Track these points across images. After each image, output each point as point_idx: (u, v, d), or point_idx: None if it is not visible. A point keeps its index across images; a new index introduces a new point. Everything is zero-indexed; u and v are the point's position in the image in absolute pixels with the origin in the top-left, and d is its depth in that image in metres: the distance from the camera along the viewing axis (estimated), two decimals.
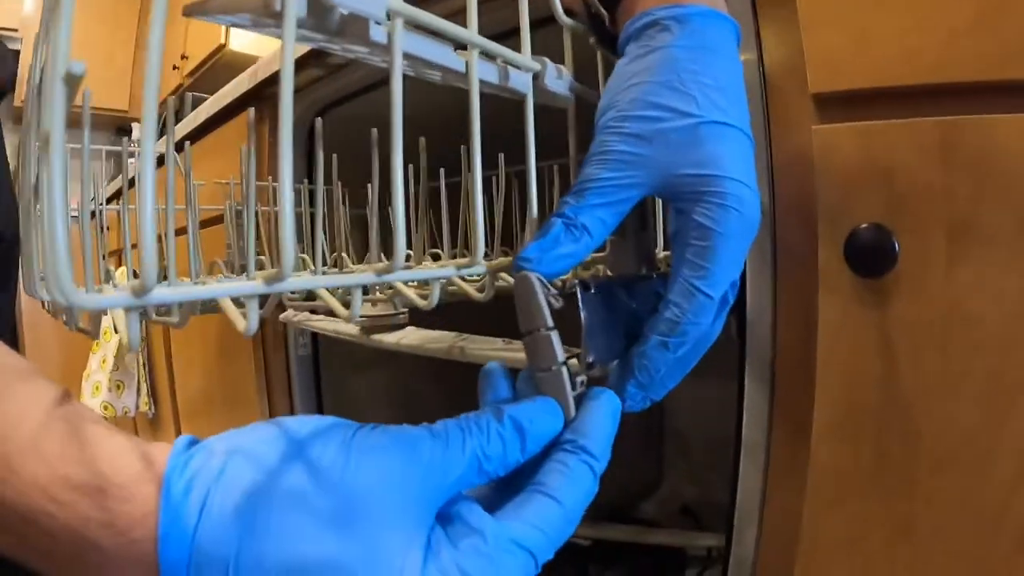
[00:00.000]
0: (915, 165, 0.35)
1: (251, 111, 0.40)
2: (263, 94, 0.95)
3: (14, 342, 0.61)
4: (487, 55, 0.26)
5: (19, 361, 0.23)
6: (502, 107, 0.30)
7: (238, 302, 0.20)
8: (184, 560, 0.20)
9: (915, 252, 0.35)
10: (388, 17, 0.20)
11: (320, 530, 0.20)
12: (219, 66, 2.82)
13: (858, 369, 0.39)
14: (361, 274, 0.20)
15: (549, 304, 0.26)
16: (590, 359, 0.28)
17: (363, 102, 0.87)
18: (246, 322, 0.18)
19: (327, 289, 0.24)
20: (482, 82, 0.27)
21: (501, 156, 0.56)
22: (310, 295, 0.62)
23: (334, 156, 0.60)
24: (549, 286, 0.26)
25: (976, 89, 0.33)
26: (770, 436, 0.45)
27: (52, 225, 0.13)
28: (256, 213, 0.58)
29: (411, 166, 0.56)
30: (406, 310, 0.71)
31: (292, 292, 0.18)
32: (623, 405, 0.29)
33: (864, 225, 0.36)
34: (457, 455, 0.23)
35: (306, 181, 0.74)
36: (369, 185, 0.45)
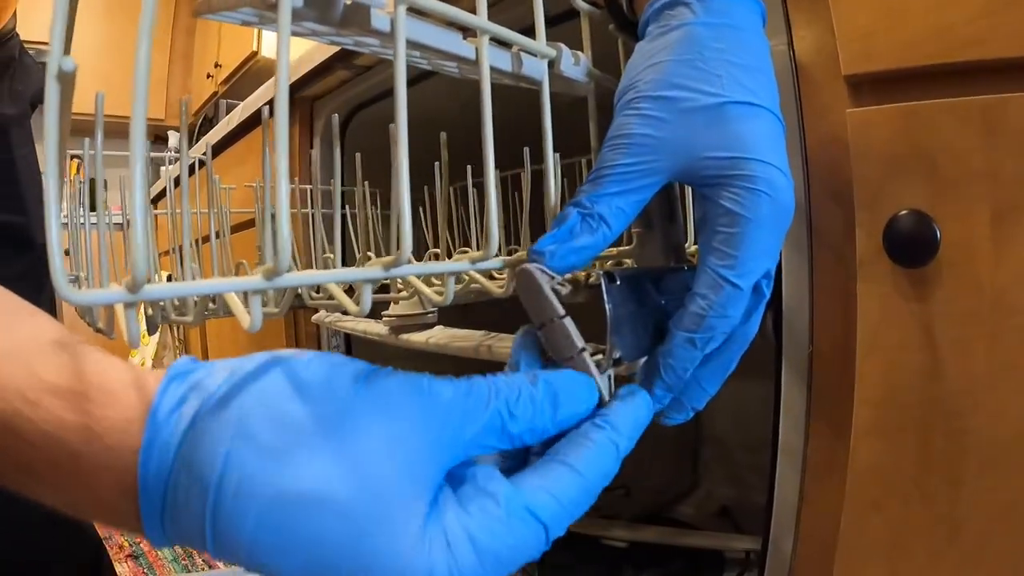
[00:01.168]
0: (956, 146, 0.33)
1: (265, 108, 0.40)
2: (292, 98, 0.97)
3: None
4: (499, 42, 0.25)
5: (27, 304, 0.22)
6: (531, 100, 0.29)
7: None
8: (164, 475, 0.18)
9: (958, 239, 0.34)
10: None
11: (318, 463, 0.18)
12: (251, 73, 2.89)
13: (900, 364, 0.37)
14: (367, 269, 0.20)
15: (556, 292, 0.25)
16: (616, 355, 0.26)
17: (392, 103, 0.87)
18: (250, 318, 0.18)
19: (338, 285, 0.24)
20: (495, 70, 0.27)
21: (526, 150, 0.56)
22: None
23: (357, 155, 0.60)
24: (553, 275, 0.25)
25: (1018, 65, 0.31)
26: (807, 436, 0.44)
27: (48, 229, 0.13)
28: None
29: (437, 164, 0.56)
30: (435, 309, 0.71)
31: (298, 289, 0.18)
32: (653, 407, 0.28)
33: (903, 212, 0.35)
34: (478, 408, 0.21)
35: (331, 183, 0.74)
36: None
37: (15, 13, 0.66)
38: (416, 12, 0.21)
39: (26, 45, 0.70)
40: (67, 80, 0.15)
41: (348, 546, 0.18)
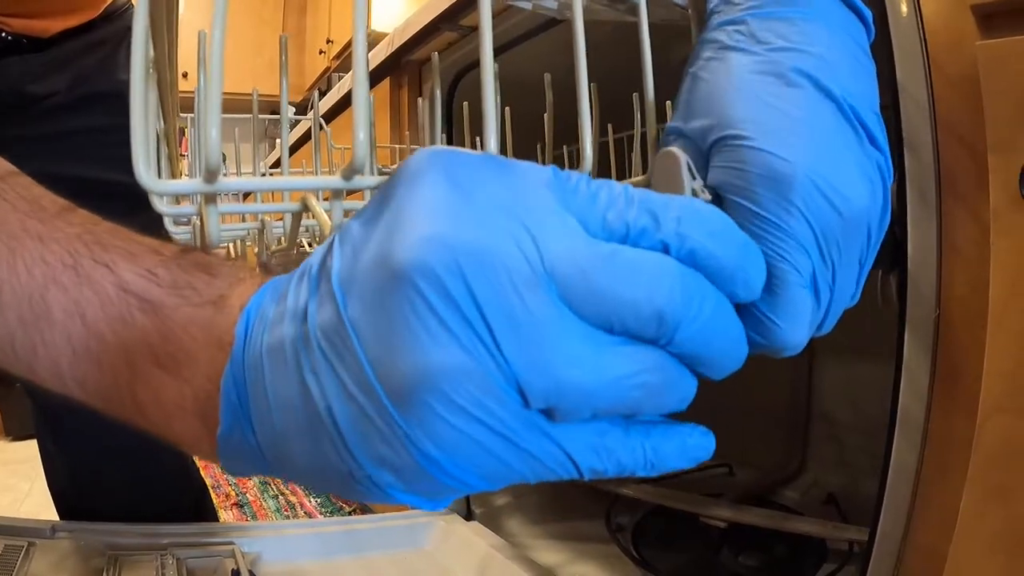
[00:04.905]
0: None
1: (316, 92, 0.41)
2: (400, 63, 0.99)
3: None
4: None
5: None
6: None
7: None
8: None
9: None
10: None
11: None
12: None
13: None
14: None
15: (695, 195, 0.22)
16: None
17: (507, 59, 0.88)
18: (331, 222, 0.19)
19: None
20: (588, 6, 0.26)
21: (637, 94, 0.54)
22: None
23: (464, 107, 0.61)
24: (696, 173, 0.23)
25: None
26: (929, 410, 0.41)
27: (134, 131, 0.15)
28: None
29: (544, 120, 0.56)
30: None
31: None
32: None
33: None
34: None
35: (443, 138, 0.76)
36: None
37: None
38: None
39: None
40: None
41: None
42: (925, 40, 0.38)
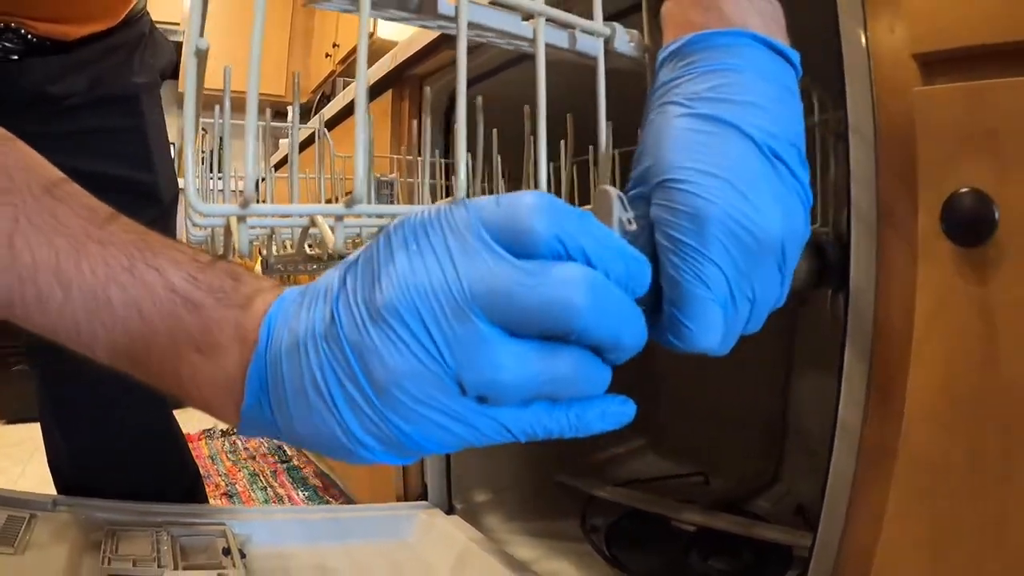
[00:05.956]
0: (1021, 125, 0.34)
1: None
2: (403, 76, 1.04)
3: None
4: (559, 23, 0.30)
5: None
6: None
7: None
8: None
9: (1019, 219, 0.34)
10: None
11: None
12: (368, 53, 3.04)
13: (957, 349, 0.38)
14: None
15: (622, 225, 0.27)
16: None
17: (496, 82, 0.92)
18: (334, 240, 0.23)
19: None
20: (555, 47, 0.31)
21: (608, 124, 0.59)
22: None
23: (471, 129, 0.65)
24: (628, 208, 0.27)
25: None
26: (865, 417, 0.45)
27: (185, 163, 0.19)
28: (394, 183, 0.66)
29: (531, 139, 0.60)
30: None
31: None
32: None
33: (963, 189, 0.36)
34: None
35: (436, 152, 0.81)
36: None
37: None
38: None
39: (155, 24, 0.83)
40: (201, 56, 0.20)
41: None
42: (873, 85, 0.43)
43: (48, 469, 0.82)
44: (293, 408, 0.24)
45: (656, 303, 0.30)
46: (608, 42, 0.32)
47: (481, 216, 0.23)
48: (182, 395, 0.27)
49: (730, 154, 0.28)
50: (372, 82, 1.15)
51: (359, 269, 0.24)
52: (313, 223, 0.25)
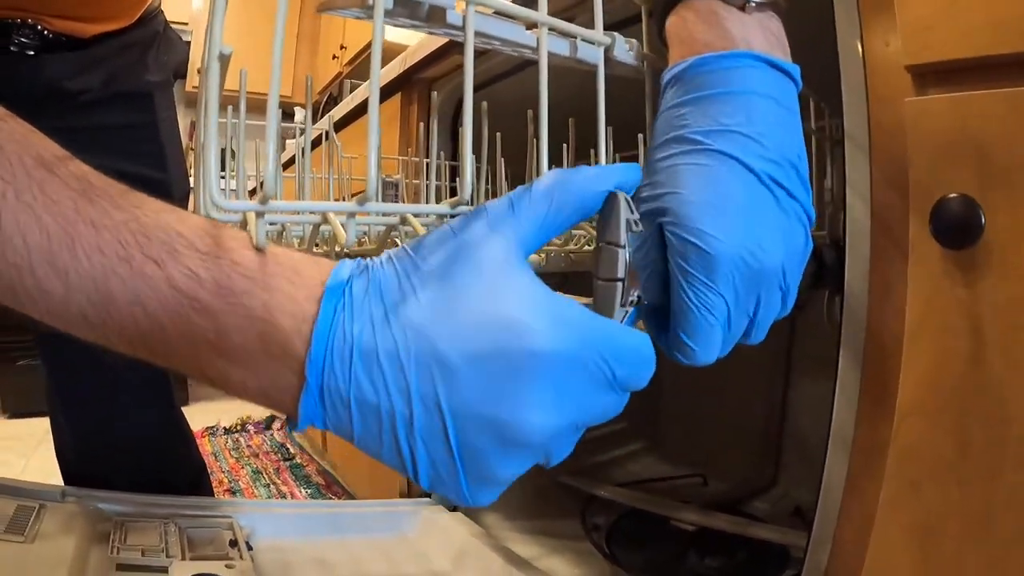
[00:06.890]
0: (1007, 135, 0.35)
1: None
2: (411, 79, 1.06)
3: None
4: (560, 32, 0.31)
5: None
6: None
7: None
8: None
9: (1005, 225, 0.36)
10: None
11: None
12: None
13: (945, 348, 0.40)
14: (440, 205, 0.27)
15: (629, 226, 0.29)
16: (636, 294, 0.30)
17: (501, 87, 0.94)
18: (346, 236, 0.25)
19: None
20: (558, 56, 0.32)
21: (608, 129, 0.61)
22: None
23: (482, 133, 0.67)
24: (635, 210, 0.29)
25: None
26: (859, 420, 0.46)
27: (206, 160, 0.21)
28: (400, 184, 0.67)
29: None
30: None
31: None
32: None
33: (952, 195, 0.37)
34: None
35: (441, 155, 0.82)
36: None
37: None
38: (489, 10, 0.27)
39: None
40: (224, 61, 0.22)
41: None
42: (868, 95, 0.44)
43: (51, 464, 0.84)
44: (356, 424, 0.25)
45: (663, 316, 0.33)
46: (608, 51, 0.34)
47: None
48: (210, 384, 0.27)
49: (734, 189, 0.31)
50: (382, 85, 1.17)
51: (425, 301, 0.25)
52: (325, 220, 0.27)
